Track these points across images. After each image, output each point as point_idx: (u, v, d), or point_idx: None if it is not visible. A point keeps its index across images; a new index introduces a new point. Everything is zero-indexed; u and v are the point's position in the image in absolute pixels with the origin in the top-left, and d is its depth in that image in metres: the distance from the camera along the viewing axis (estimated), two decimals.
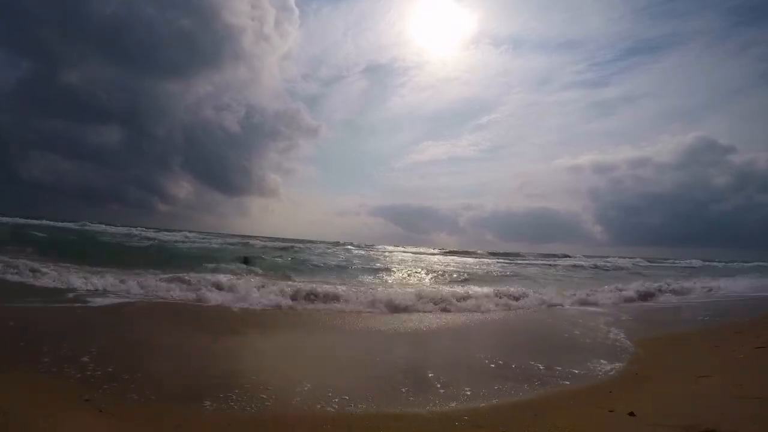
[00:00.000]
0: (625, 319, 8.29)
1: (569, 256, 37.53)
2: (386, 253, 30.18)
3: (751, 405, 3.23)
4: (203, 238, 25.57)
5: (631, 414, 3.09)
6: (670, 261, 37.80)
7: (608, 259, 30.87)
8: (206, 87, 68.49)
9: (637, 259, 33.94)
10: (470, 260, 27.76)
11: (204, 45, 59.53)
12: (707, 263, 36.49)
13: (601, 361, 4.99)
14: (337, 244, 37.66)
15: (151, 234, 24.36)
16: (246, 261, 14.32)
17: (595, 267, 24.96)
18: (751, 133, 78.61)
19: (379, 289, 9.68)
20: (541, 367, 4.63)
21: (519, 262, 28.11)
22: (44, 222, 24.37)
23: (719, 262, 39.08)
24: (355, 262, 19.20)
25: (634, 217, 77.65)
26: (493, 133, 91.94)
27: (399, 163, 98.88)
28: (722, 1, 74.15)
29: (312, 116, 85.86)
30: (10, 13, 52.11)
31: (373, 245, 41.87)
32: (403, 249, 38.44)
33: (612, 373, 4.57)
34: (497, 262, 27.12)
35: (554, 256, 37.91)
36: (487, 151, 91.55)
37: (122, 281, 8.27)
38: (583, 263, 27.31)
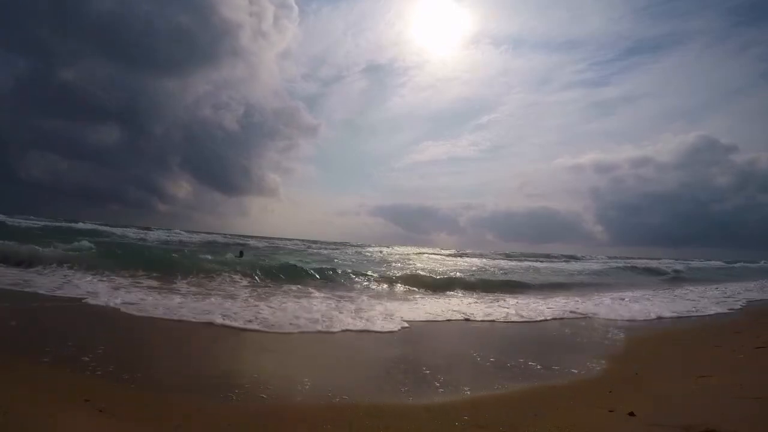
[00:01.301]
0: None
1: (592, 258, 37.62)
2: (412, 256, 28.13)
3: (751, 405, 3.23)
4: (192, 240, 24.80)
5: (631, 414, 3.10)
6: (707, 261, 37.16)
7: (642, 261, 30.30)
8: (204, 85, 68.66)
9: (667, 260, 33.51)
10: (507, 263, 24.41)
11: (202, 41, 59.71)
12: (731, 265, 35.75)
13: (601, 361, 4.99)
14: (347, 244, 36.94)
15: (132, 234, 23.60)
16: (241, 254, 14.61)
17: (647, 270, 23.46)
18: (751, 132, 79.09)
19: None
20: (539, 367, 4.64)
21: (563, 265, 25.46)
22: (46, 221, 24.29)
23: (731, 262, 38.54)
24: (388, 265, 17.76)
25: (634, 217, 78.02)
26: (493, 133, 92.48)
27: (399, 163, 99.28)
28: (722, 1, 74.62)
29: (312, 116, 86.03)
30: (7, 12, 52.07)
31: (386, 246, 41.07)
32: (429, 252, 36.47)
33: (612, 373, 4.57)
34: (542, 266, 23.93)
35: (574, 258, 37.78)
36: (487, 151, 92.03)
37: (124, 282, 8.24)
38: (621, 265, 25.93)
